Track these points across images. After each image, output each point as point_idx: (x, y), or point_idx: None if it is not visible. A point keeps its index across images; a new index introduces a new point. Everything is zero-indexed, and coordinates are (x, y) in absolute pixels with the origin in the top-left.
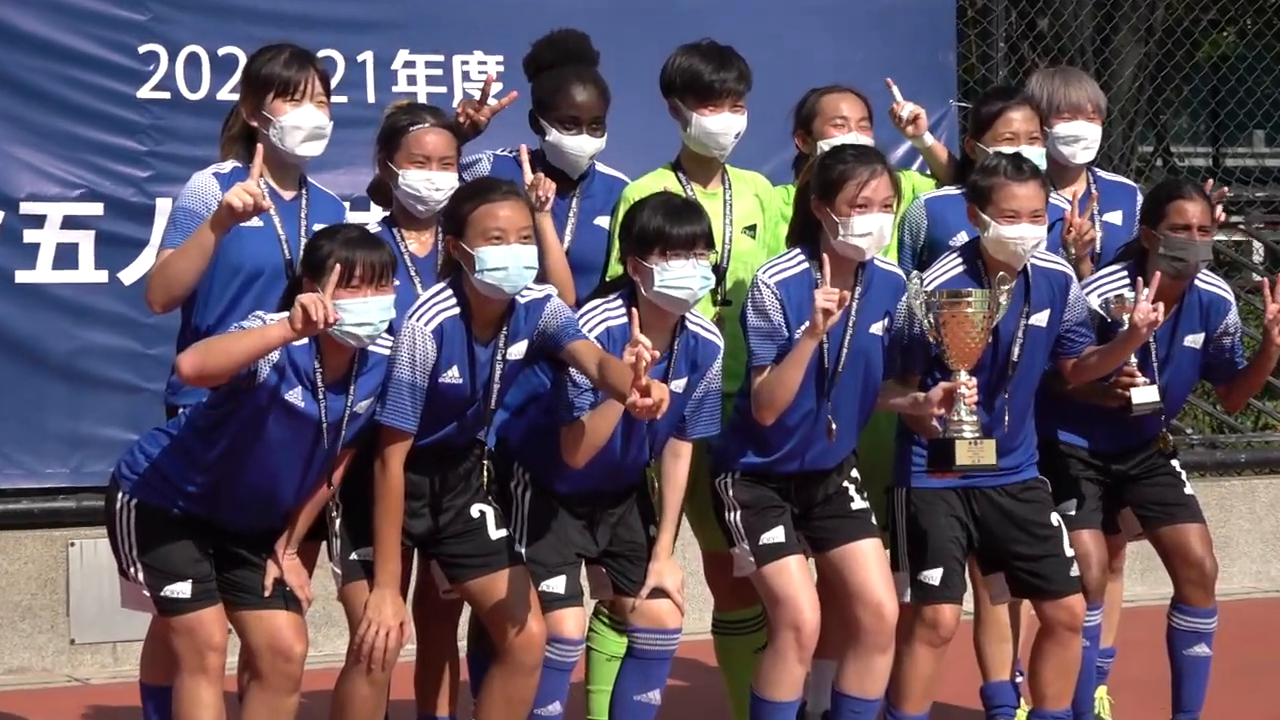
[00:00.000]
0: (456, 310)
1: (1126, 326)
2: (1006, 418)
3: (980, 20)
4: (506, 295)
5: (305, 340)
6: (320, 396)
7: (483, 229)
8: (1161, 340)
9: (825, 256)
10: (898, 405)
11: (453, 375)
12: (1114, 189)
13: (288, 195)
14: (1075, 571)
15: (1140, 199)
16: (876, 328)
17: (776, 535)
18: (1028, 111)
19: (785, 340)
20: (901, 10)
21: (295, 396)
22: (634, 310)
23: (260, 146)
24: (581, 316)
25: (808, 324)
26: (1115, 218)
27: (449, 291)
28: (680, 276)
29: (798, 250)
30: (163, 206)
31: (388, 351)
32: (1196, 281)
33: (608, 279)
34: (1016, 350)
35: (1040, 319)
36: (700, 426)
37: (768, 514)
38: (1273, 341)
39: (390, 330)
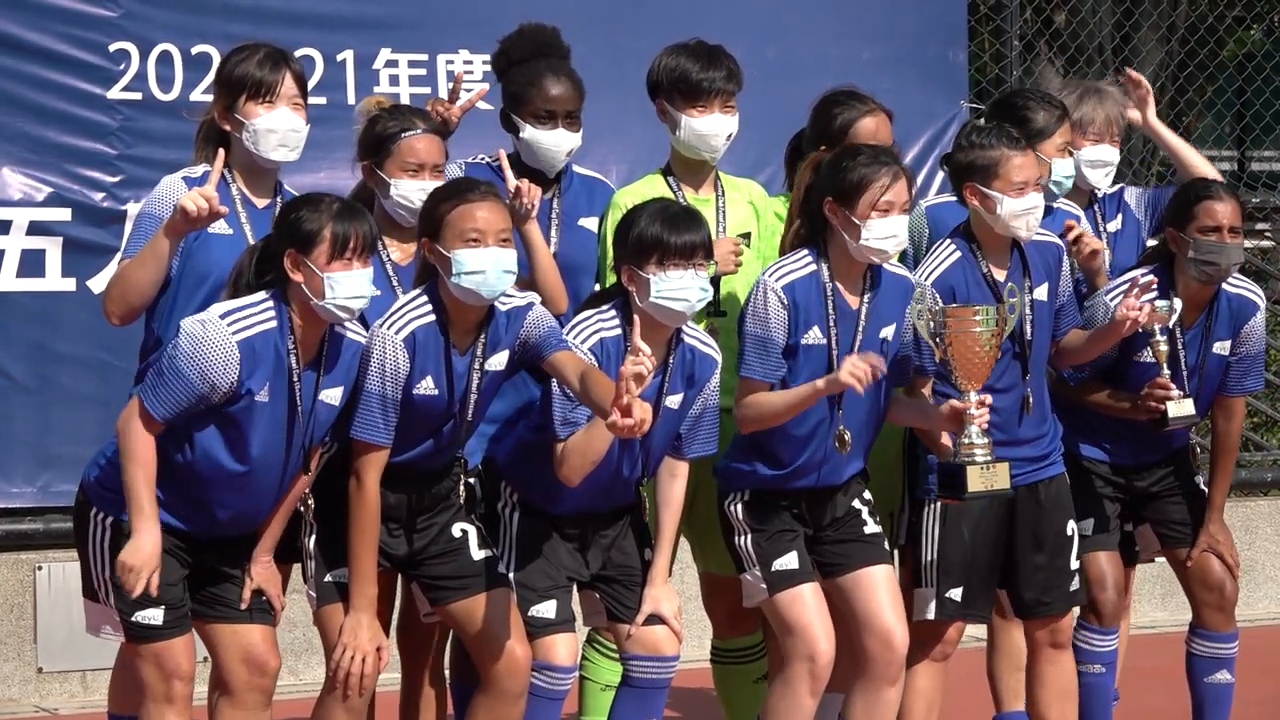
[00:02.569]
0: (431, 318)
1: (1157, 336)
2: (1031, 399)
3: (993, 17)
4: (485, 301)
5: (274, 324)
6: (293, 379)
7: (460, 231)
8: (1191, 348)
9: (635, 319)
10: (908, 419)
11: (427, 386)
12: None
13: (261, 203)
14: (1075, 587)
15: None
16: (887, 332)
17: (790, 561)
18: (1066, 126)
19: (781, 351)
20: (911, 7)
21: (262, 395)
22: (635, 316)
23: (221, 151)
24: (573, 328)
25: (823, 381)
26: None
27: (424, 298)
28: (678, 288)
29: (805, 251)
30: (134, 212)
31: (356, 337)
32: (1225, 285)
33: (598, 288)
34: (1029, 328)
35: (1041, 293)
36: (698, 445)
37: (780, 538)
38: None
39: (363, 323)
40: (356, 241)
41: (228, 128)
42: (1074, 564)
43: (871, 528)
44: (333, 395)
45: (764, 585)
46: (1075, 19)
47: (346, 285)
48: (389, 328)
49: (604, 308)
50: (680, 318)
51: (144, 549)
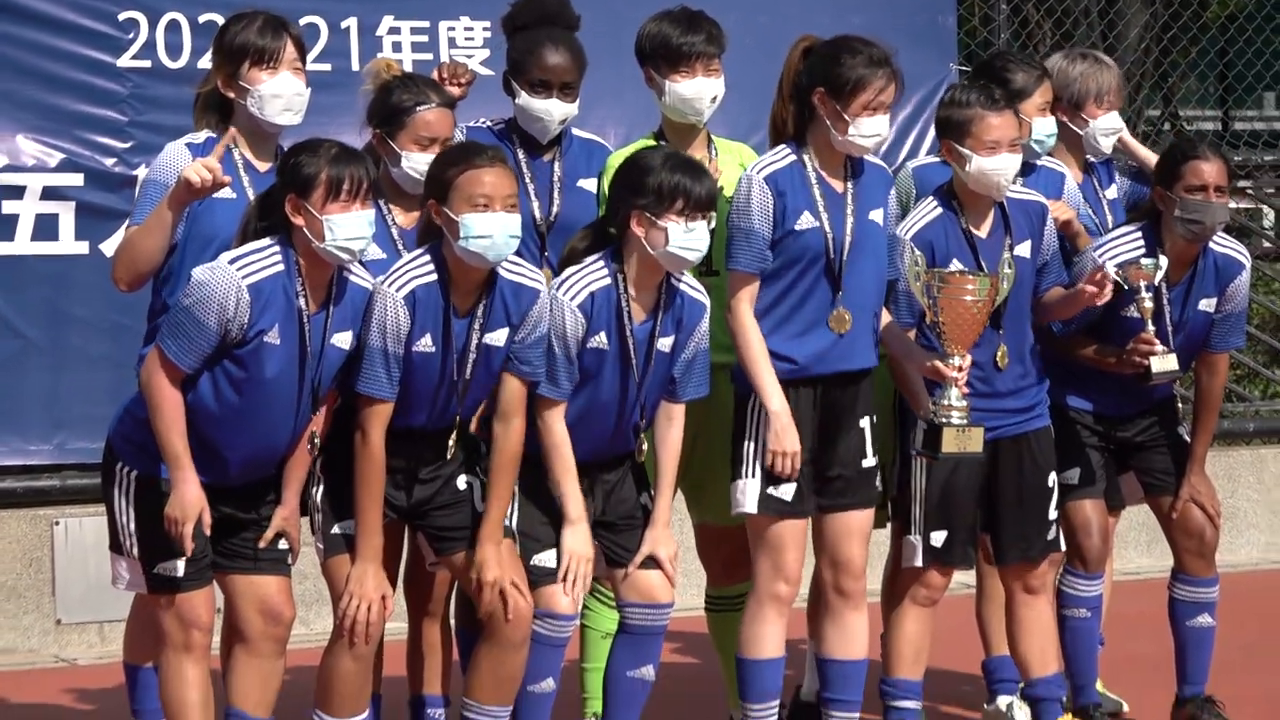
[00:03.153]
0: (433, 277)
1: (1142, 293)
2: (1004, 352)
3: None
4: (489, 264)
5: (281, 268)
6: (303, 322)
7: (468, 195)
8: (1176, 304)
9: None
10: (895, 349)
11: (425, 344)
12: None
13: (263, 166)
14: (1051, 537)
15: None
16: (876, 215)
17: (786, 492)
18: (1046, 84)
19: (766, 244)
20: None
21: (272, 336)
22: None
23: (233, 129)
24: (562, 283)
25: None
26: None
27: (426, 258)
28: (698, 238)
29: (783, 145)
30: (144, 177)
31: (363, 282)
32: (1211, 244)
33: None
34: (1005, 284)
35: (1024, 249)
36: (691, 388)
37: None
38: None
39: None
40: (352, 183)
41: (231, 95)
42: (1052, 514)
43: (869, 461)
44: (342, 339)
45: (752, 505)
46: None
47: (345, 226)
48: (391, 285)
49: (593, 260)
50: (688, 266)
51: (186, 498)
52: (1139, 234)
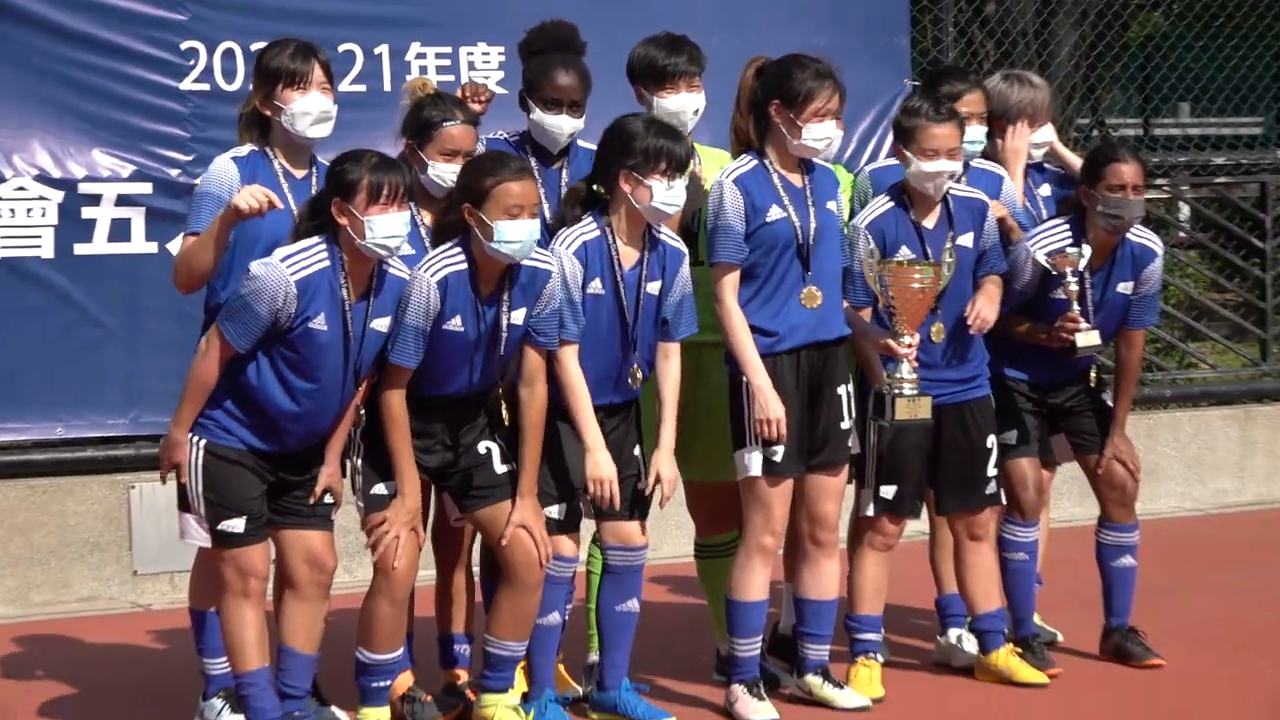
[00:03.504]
0: (463, 266)
1: (1068, 278)
2: (939, 329)
3: (931, 7)
4: (515, 261)
5: (328, 263)
6: (346, 310)
7: (503, 205)
8: (1097, 287)
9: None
10: (855, 327)
11: (455, 324)
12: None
13: (299, 173)
14: (990, 491)
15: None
16: (831, 205)
17: (777, 454)
18: (979, 94)
19: (742, 237)
20: (865, 5)
21: (319, 322)
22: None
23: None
24: (558, 238)
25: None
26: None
27: (458, 250)
28: (677, 194)
29: (745, 154)
30: (198, 188)
31: (400, 273)
32: (1129, 235)
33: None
34: (947, 271)
35: (966, 240)
36: (683, 327)
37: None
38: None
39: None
40: (390, 188)
41: (268, 113)
42: (990, 471)
43: (846, 424)
44: (381, 324)
45: (757, 469)
46: (1002, 7)
47: (383, 226)
48: (426, 271)
49: (585, 220)
50: (666, 218)
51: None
52: (1066, 226)
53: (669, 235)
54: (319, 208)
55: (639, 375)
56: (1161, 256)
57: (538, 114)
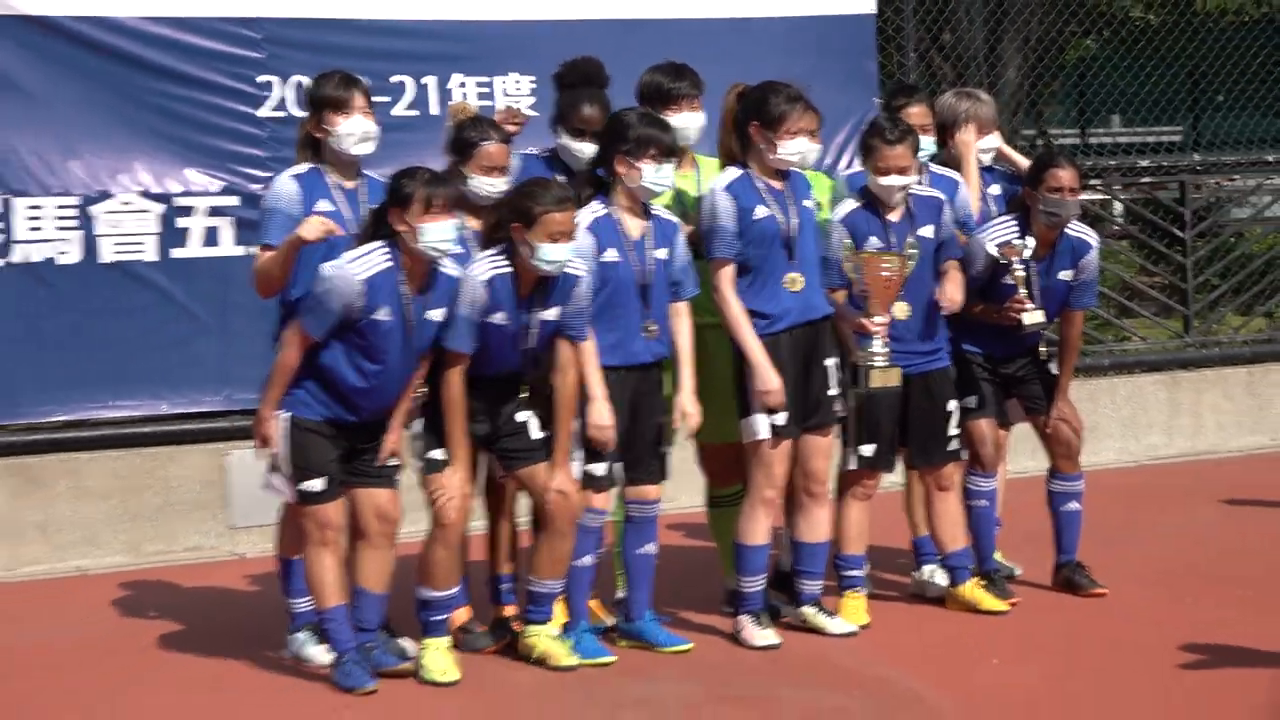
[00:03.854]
0: (508, 269)
1: (1015, 266)
2: (904, 307)
3: (895, 36)
4: (552, 275)
5: (390, 264)
6: (406, 303)
7: (549, 230)
8: (1040, 274)
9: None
10: (835, 310)
11: (499, 318)
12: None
13: (349, 185)
14: (952, 448)
15: (961, 190)
16: (807, 203)
17: (780, 419)
18: (923, 108)
19: (734, 235)
20: (833, 29)
21: (383, 314)
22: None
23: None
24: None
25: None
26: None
27: (503, 257)
28: (665, 176)
29: (732, 166)
30: (264, 203)
31: (452, 272)
32: (1067, 230)
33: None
34: (910, 259)
35: (926, 231)
36: (689, 288)
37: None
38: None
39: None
40: (440, 200)
41: (319, 135)
42: (952, 431)
43: (833, 390)
44: (436, 314)
45: (764, 432)
46: (955, 34)
47: (434, 232)
48: (476, 272)
49: (594, 202)
50: (655, 196)
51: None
52: (1014, 221)
53: (660, 211)
54: (380, 217)
55: (653, 328)
56: (1097, 248)
57: (565, 139)
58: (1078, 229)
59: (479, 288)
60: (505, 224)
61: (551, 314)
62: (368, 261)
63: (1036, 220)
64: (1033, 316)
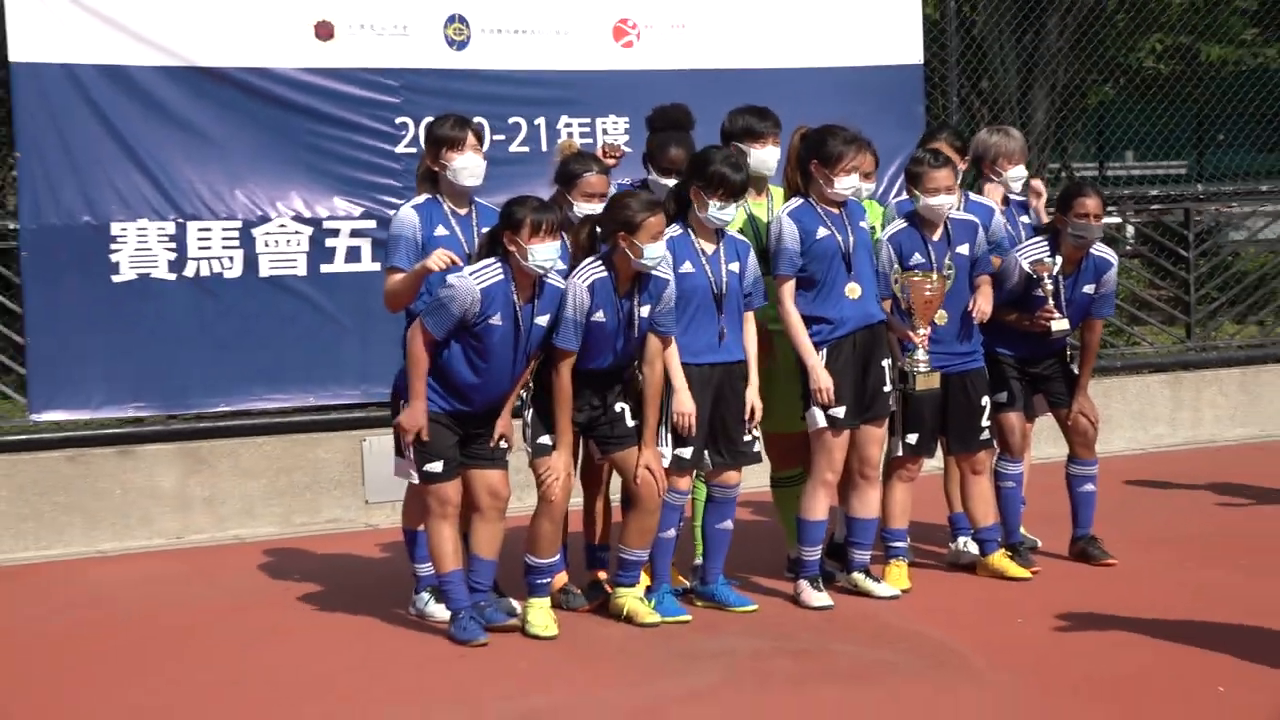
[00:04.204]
0: (605, 273)
1: (1045, 280)
2: (943, 314)
3: (940, 83)
4: (652, 270)
5: (503, 277)
6: (517, 311)
7: (651, 232)
8: (1067, 288)
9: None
10: (887, 316)
11: (599, 316)
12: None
13: (462, 211)
14: (984, 437)
15: (996, 215)
16: (862, 224)
17: (839, 412)
18: (946, 143)
19: (798, 255)
20: (889, 78)
21: (496, 320)
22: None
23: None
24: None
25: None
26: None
27: (599, 262)
28: (728, 214)
29: (796, 196)
30: (391, 230)
31: (557, 283)
32: (1091, 250)
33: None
34: (949, 277)
35: (963, 250)
36: (757, 299)
37: (840, 391)
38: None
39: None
40: (546, 225)
41: (436, 169)
42: (984, 423)
43: (888, 387)
44: (543, 320)
45: (824, 423)
46: (993, 82)
47: (541, 252)
48: (579, 279)
49: (673, 225)
50: (718, 227)
51: (416, 416)
52: (1044, 242)
53: (734, 234)
54: (495, 238)
55: (725, 331)
56: (1116, 266)
57: (654, 176)
58: (1100, 249)
59: (583, 292)
60: (609, 235)
61: (644, 311)
62: (485, 274)
63: (1065, 241)
64: (1060, 325)
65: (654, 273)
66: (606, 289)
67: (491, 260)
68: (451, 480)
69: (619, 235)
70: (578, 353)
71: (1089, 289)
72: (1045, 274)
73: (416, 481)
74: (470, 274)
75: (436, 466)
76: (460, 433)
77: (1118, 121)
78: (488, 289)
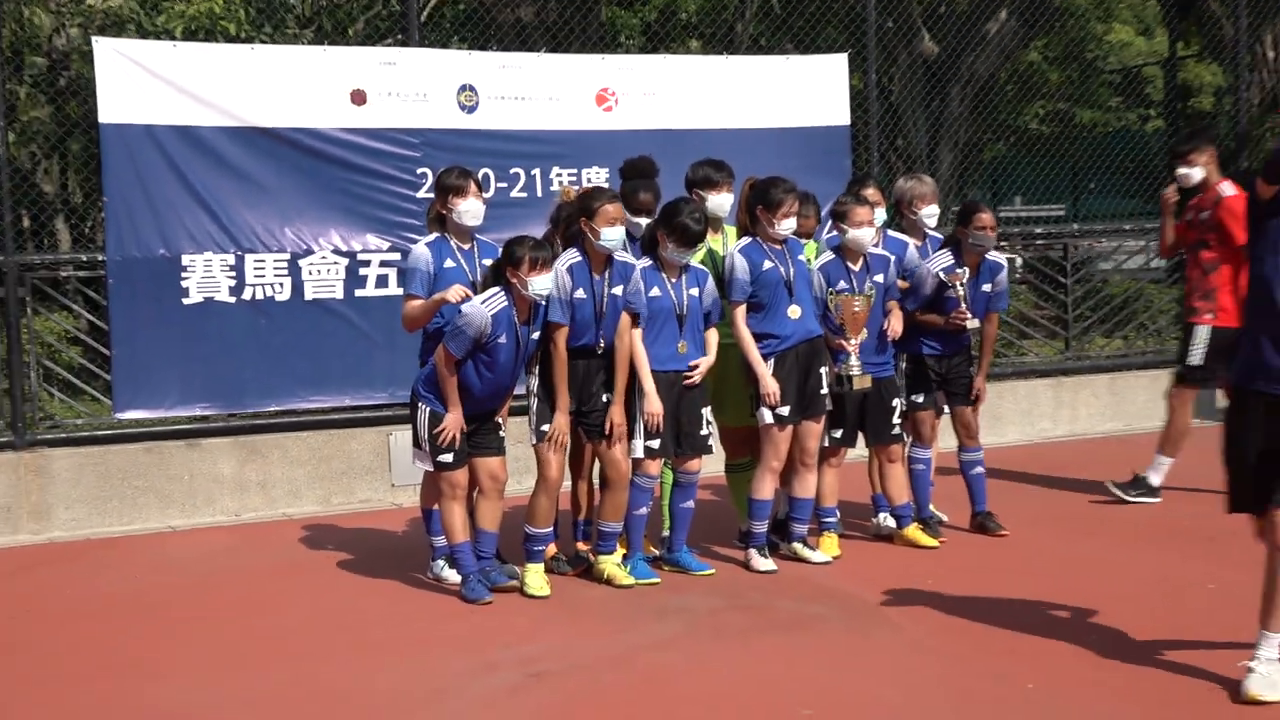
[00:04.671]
0: (581, 259)
1: (956, 286)
2: (865, 331)
3: (863, 141)
4: (612, 253)
5: (505, 303)
6: (517, 330)
7: (609, 218)
8: (972, 289)
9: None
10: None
11: (580, 294)
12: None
13: (466, 247)
14: (896, 431)
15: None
16: (801, 258)
17: (784, 411)
18: (875, 189)
19: (749, 285)
20: (822, 137)
21: (502, 339)
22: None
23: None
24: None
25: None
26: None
27: (575, 251)
28: (686, 256)
29: (746, 236)
30: (407, 264)
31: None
32: (987, 256)
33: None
34: (871, 298)
35: (879, 278)
36: (714, 316)
37: (785, 394)
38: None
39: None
40: (541, 261)
41: (444, 212)
42: (896, 420)
43: (824, 389)
44: (536, 335)
45: (771, 420)
46: (906, 140)
47: (537, 284)
48: (561, 264)
49: (643, 259)
50: (675, 264)
51: (454, 419)
52: (949, 254)
53: (696, 264)
54: (498, 271)
55: (684, 346)
56: (1007, 268)
57: (628, 214)
58: (994, 255)
59: (564, 274)
60: (574, 222)
61: (617, 291)
62: (492, 302)
63: (966, 251)
64: (972, 323)
65: (620, 257)
66: (584, 271)
67: (496, 290)
68: (461, 468)
69: (582, 221)
70: (567, 329)
71: (987, 288)
72: (958, 281)
73: (431, 469)
74: (481, 302)
75: (448, 457)
76: (468, 427)
77: (1008, 172)
78: (496, 315)
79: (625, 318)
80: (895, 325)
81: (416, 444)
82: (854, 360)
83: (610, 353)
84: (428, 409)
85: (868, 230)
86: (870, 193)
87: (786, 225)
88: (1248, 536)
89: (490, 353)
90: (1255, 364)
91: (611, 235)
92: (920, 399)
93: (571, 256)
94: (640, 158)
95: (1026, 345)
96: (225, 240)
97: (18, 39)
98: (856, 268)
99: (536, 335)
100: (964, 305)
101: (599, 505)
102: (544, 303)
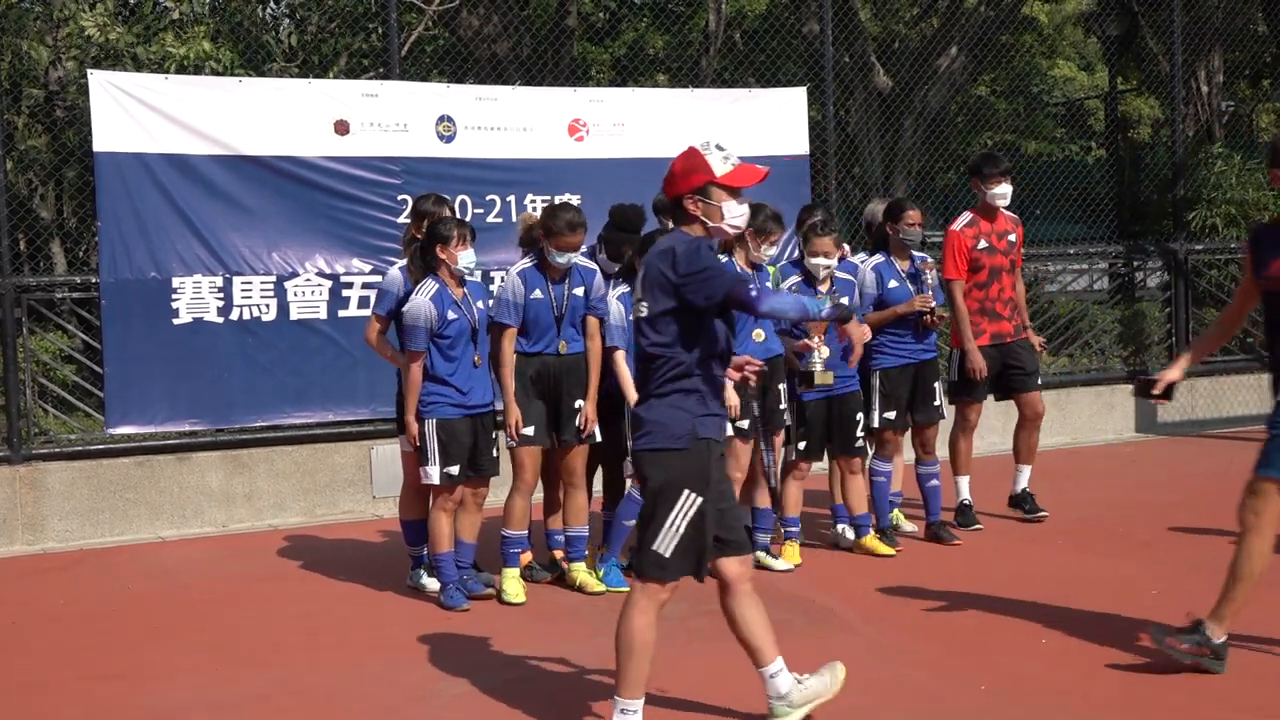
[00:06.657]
0: (533, 264)
1: (929, 275)
2: (828, 349)
3: (821, 170)
4: (564, 269)
5: (439, 285)
6: (459, 302)
7: (562, 244)
8: (909, 278)
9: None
10: (786, 346)
11: (538, 294)
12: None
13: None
14: (858, 445)
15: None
16: (768, 283)
17: (744, 424)
18: (915, 213)
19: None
20: (782, 166)
21: (451, 314)
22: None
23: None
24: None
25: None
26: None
27: (529, 259)
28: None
29: (723, 255)
30: (380, 285)
31: (475, 279)
32: (913, 251)
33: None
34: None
35: (844, 300)
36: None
37: (745, 408)
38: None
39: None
40: (467, 235)
41: (419, 236)
42: (859, 434)
43: (784, 405)
44: (480, 305)
45: (731, 432)
46: (862, 168)
47: (465, 258)
48: (514, 270)
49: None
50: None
51: (410, 423)
52: (879, 252)
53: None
54: (426, 257)
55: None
56: (931, 261)
57: (602, 256)
58: (918, 251)
59: (516, 277)
60: (534, 234)
61: (579, 292)
62: (426, 288)
63: (896, 246)
64: (926, 302)
65: (580, 263)
66: (538, 275)
67: (429, 279)
68: (462, 481)
69: (540, 234)
70: (523, 332)
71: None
72: (929, 270)
73: (437, 483)
74: (418, 294)
75: (454, 470)
76: (470, 442)
77: (959, 200)
78: (433, 296)
79: (592, 323)
80: (865, 330)
81: (424, 459)
82: (816, 357)
83: (576, 355)
84: (432, 421)
85: (825, 260)
86: (912, 214)
87: (769, 252)
88: (1183, 543)
89: (446, 334)
90: None
91: (562, 258)
92: (892, 416)
93: (525, 263)
94: (630, 207)
95: None
96: (214, 263)
97: (16, 71)
98: (823, 290)
99: (482, 305)
100: (927, 291)
101: (563, 512)
102: (470, 276)
